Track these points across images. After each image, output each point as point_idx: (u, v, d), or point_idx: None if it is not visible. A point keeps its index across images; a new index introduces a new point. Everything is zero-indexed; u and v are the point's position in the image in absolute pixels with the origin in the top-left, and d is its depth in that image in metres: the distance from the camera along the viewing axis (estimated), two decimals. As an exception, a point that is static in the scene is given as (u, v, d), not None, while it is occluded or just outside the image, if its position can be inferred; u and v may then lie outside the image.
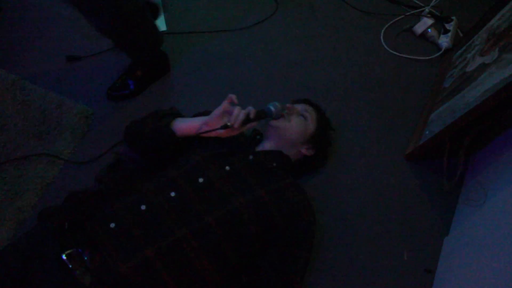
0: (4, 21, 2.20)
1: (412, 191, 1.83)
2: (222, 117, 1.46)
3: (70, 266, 1.22)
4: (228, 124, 1.42)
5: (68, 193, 1.51)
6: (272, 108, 1.53)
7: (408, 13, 2.40)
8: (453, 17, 2.29)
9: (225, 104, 1.47)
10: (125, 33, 1.77)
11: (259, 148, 1.62)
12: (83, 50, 2.12)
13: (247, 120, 1.45)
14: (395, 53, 2.24)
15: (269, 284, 1.39)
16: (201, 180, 1.38)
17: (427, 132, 1.83)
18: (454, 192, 1.80)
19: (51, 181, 1.74)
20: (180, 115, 1.63)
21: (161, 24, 2.26)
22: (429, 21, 2.28)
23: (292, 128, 1.59)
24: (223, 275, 1.33)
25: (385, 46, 2.27)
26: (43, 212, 1.41)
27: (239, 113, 1.43)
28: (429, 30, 2.27)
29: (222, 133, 1.45)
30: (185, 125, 1.52)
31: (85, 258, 1.24)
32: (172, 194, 1.34)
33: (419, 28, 2.30)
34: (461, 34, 2.29)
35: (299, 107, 1.65)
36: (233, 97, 1.48)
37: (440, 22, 2.29)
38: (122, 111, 1.96)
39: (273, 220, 1.40)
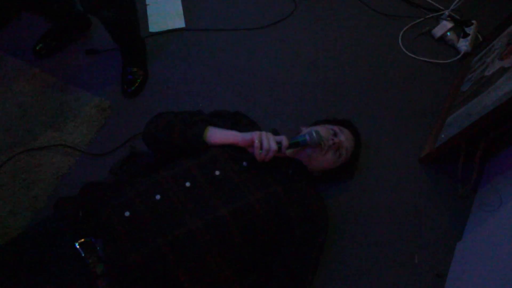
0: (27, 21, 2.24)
1: (426, 194, 1.82)
2: (253, 141, 1.42)
3: (83, 255, 1.24)
4: (258, 158, 1.41)
5: (83, 184, 1.53)
6: (308, 138, 1.45)
7: (428, 16, 2.38)
8: (473, 21, 2.26)
9: (255, 136, 1.42)
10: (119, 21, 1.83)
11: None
12: (101, 43, 2.14)
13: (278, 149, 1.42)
14: (413, 56, 2.23)
15: (280, 282, 1.40)
16: (217, 173, 1.38)
17: (442, 136, 1.81)
18: (468, 197, 1.79)
19: (67, 171, 1.77)
20: (208, 120, 1.56)
21: (179, 20, 2.28)
22: (449, 25, 2.26)
23: (323, 162, 1.53)
24: (234, 270, 1.33)
25: (403, 49, 2.25)
26: (59, 201, 1.43)
27: (270, 148, 1.40)
28: (448, 33, 2.26)
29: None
30: (217, 140, 1.47)
31: (98, 248, 1.25)
32: (187, 184, 1.34)
33: (438, 31, 2.29)
34: (480, 38, 2.27)
35: (343, 137, 1.56)
36: (264, 138, 1.42)
37: (459, 26, 2.27)
38: (139, 105, 1.98)
39: (287, 217, 1.40)
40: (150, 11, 2.31)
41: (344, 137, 1.56)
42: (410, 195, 1.81)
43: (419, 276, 1.64)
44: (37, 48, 2.03)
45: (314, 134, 1.45)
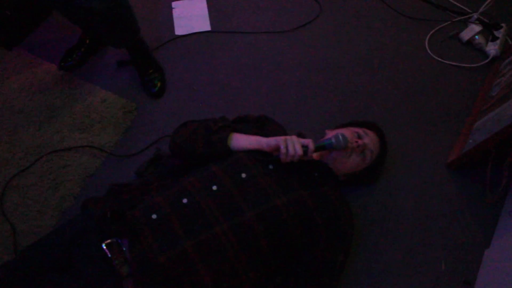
0: (57, 23, 2.28)
1: (453, 200, 1.79)
2: (279, 147, 1.41)
3: (109, 255, 1.25)
4: (282, 160, 1.41)
5: (110, 185, 1.55)
6: (334, 141, 1.45)
7: (455, 19, 2.35)
8: (503, 24, 2.22)
9: (281, 142, 1.40)
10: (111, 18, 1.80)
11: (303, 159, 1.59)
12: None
13: (304, 153, 1.41)
14: (440, 59, 2.20)
15: (304, 286, 1.39)
16: (244, 175, 1.38)
17: (470, 141, 1.78)
18: (497, 204, 1.75)
19: (93, 172, 1.80)
20: (231, 126, 1.56)
21: (204, 23, 2.30)
22: (477, 28, 2.22)
23: (349, 164, 1.53)
24: (258, 273, 1.33)
25: (430, 53, 2.23)
26: (86, 201, 1.45)
27: (295, 150, 1.38)
28: (476, 37, 2.22)
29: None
30: (241, 146, 1.47)
31: (124, 249, 1.27)
32: (214, 188, 1.34)
33: (466, 34, 2.25)
34: (510, 42, 2.22)
35: (367, 139, 1.55)
36: (289, 143, 1.40)
37: (488, 29, 2.24)
38: (165, 107, 2.00)
39: (313, 222, 1.39)
40: (176, 14, 2.34)
41: (369, 139, 1.55)
42: (437, 200, 1.78)
43: (446, 283, 1.61)
44: (62, 64, 2.06)
45: (340, 137, 1.45)
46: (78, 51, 2.08)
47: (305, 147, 1.41)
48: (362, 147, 1.51)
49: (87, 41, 2.09)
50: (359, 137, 1.54)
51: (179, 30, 2.26)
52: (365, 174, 1.60)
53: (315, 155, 1.53)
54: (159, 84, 2.02)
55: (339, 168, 1.54)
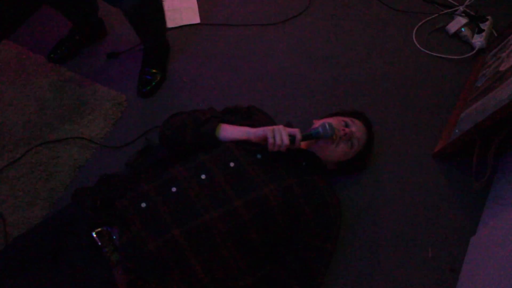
0: (47, 16, 2.28)
1: (439, 189, 1.82)
2: (266, 137, 1.43)
3: (99, 243, 1.26)
4: (269, 150, 1.43)
5: (100, 176, 1.56)
6: (321, 130, 1.49)
7: (442, 12, 2.37)
8: (488, 17, 2.25)
9: (268, 132, 1.42)
10: (145, 16, 1.83)
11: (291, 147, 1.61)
12: (120, 46, 2.17)
13: (291, 143, 1.43)
14: (427, 51, 2.23)
15: (293, 274, 1.41)
16: (232, 164, 1.40)
17: (456, 131, 1.81)
18: (482, 192, 1.78)
19: (83, 164, 1.80)
20: (219, 117, 1.58)
21: (193, 15, 2.30)
22: (463, 20, 2.25)
23: (336, 153, 1.55)
24: (247, 261, 1.35)
25: (417, 45, 2.25)
26: (77, 191, 1.46)
27: (282, 139, 1.40)
28: (462, 29, 2.25)
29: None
30: (230, 137, 1.48)
31: (114, 237, 1.28)
32: (203, 176, 1.36)
33: (452, 27, 2.28)
34: (495, 34, 2.25)
35: (354, 127, 1.58)
36: (276, 133, 1.42)
37: (474, 22, 2.26)
38: (155, 99, 2.01)
39: (300, 209, 1.41)
40: (165, 6, 2.32)
41: (356, 128, 1.58)
42: (423, 189, 1.81)
43: (432, 271, 1.63)
44: (51, 55, 2.07)
45: (327, 126, 1.48)
46: (68, 43, 2.08)
47: (292, 137, 1.43)
48: (349, 135, 1.53)
49: (77, 37, 2.09)
50: (346, 125, 1.56)
51: (168, 23, 2.25)
52: (353, 163, 1.63)
53: (303, 144, 1.55)
54: (151, 86, 2.01)
55: (327, 157, 1.56)
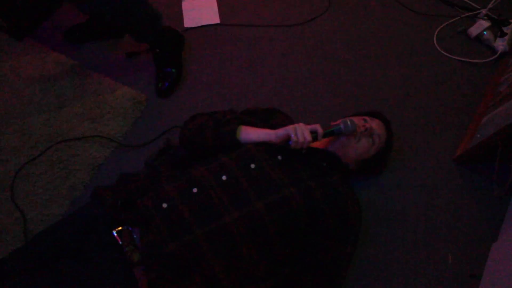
0: (67, 13, 2.29)
1: (460, 194, 1.79)
2: (288, 136, 1.44)
3: (120, 242, 1.26)
4: (292, 147, 1.43)
5: (119, 175, 1.56)
6: (342, 126, 1.49)
7: (464, 15, 2.35)
8: (511, 20, 2.22)
9: (290, 131, 1.43)
10: (123, 18, 1.81)
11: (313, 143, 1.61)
12: (142, 45, 2.14)
13: (314, 139, 1.44)
14: (448, 55, 2.20)
15: (313, 277, 1.41)
16: (253, 166, 1.39)
17: (478, 135, 1.79)
18: (504, 198, 1.76)
19: (102, 162, 1.81)
20: (240, 119, 1.59)
21: (213, 15, 2.30)
22: (485, 24, 2.22)
23: (357, 149, 1.55)
24: (267, 263, 1.34)
25: (438, 48, 2.23)
26: (96, 190, 1.46)
27: (304, 136, 1.41)
28: (484, 32, 2.22)
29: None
30: (249, 139, 1.49)
31: (135, 236, 1.28)
32: (224, 178, 1.35)
33: (474, 30, 2.25)
34: (518, 38, 2.23)
35: (374, 124, 1.58)
36: (298, 131, 1.43)
37: (497, 25, 2.23)
38: (175, 99, 2.01)
39: (321, 213, 1.40)
40: (185, 6, 2.34)
41: (375, 124, 1.58)
42: (444, 194, 1.79)
43: (453, 276, 1.62)
44: (68, 32, 2.12)
45: (348, 122, 1.49)
46: (86, 28, 2.12)
47: (314, 133, 1.44)
48: (370, 130, 1.53)
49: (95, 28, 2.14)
50: (365, 121, 1.56)
51: (188, 23, 2.27)
52: (374, 161, 1.62)
53: (323, 144, 1.56)
54: (166, 85, 2.01)
55: (349, 154, 1.55)
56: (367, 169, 1.68)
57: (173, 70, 2.03)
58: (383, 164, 1.77)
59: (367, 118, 1.59)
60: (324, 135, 1.47)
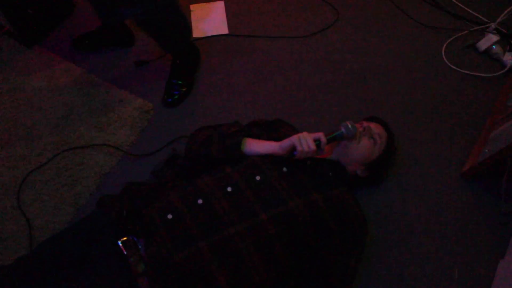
0: (77, 23, 2.32)
1: (467, 209, 1.78)
2: (293, 147, 1.45)
3: (125, 253, 1.26)
4: (297, 158, 1.45)
5: (125, 184, 1.56)
6: (344, 130, 1.50)
7: (473, 29, 2.34)
8: (521, 35, 2.22)
9: (295, 141, 1.44)
10: (158, 24, 1.83)
11: (318, 153, 1.61)
12: (151, 54, 2.19)
13: (318, 147, 1.45)
14: (456, 68, 2.20)
15: (318, 290, 1.39)
16: (258, 178, 1.39)
17: (486, 151, 1.77)
18: (511, 215, 1.74)
19: (109, 171, 1.81)
20: (245, 131, 1.59)
21: (222, 26, 2.31)
22: (494, 38, 2.22)
23: (360, 149, 1.55)
24: (271, 275, 1.33)
25: (447, 61, 2.22)
26: (102, 199, 1.46)
27: (309, 145, 1.42)
28: (493, 46, 2.21)
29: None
30: (254, 151, 1.49)
31: (140, 247, 1.28)
32: (229, 189, 1.35)
33: (483, 44, 2.25)
34: (528, 53, 2.22)
35: (372, 125, 1.60)
36: (302, 141, 1.44)
37: (506, 39, 2.23)
38: (182, 109, 2.01)
39: (326, 225, 1.39)
40: (194, 17, 2.36)
41: (374, 125, 1.59)
42: (451, 208, 1.77)
43: (458, 293, 1.60)
44: (76, 40, 2.14)
45: (349, 126, 1.50)
46: (95, 37, 2.14)
47: (317, 141, 1.45)
48: (369, 129, 1.54)
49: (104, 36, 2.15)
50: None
51: (196, 33, 2.28)
52: (381, 163, 1.61)
53: (327, 154, 1.57)
54: (176, 97, 2.01)
55: (354, 157, 1.56)
56: (376, 173, 1.67)
57: (184, 85, 2.04)
58: (389, 163, 1.75)
59: (363, 121, 1.61)
60: (327, 142, 1.47)
